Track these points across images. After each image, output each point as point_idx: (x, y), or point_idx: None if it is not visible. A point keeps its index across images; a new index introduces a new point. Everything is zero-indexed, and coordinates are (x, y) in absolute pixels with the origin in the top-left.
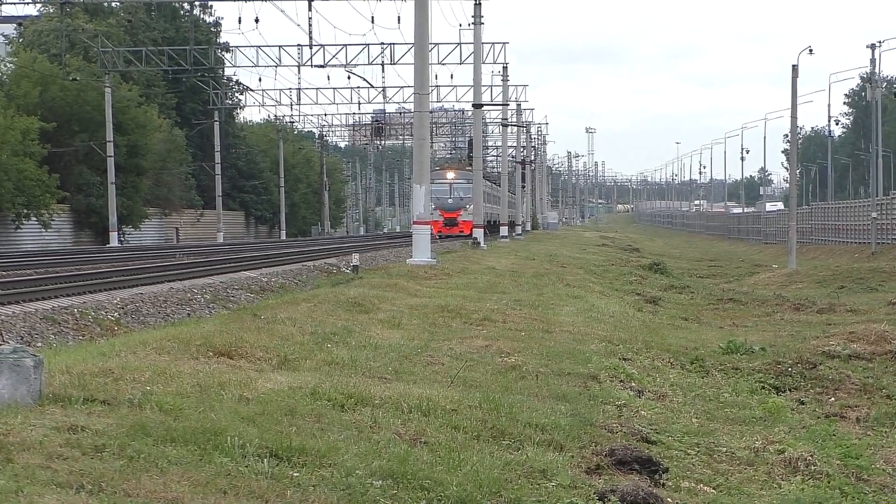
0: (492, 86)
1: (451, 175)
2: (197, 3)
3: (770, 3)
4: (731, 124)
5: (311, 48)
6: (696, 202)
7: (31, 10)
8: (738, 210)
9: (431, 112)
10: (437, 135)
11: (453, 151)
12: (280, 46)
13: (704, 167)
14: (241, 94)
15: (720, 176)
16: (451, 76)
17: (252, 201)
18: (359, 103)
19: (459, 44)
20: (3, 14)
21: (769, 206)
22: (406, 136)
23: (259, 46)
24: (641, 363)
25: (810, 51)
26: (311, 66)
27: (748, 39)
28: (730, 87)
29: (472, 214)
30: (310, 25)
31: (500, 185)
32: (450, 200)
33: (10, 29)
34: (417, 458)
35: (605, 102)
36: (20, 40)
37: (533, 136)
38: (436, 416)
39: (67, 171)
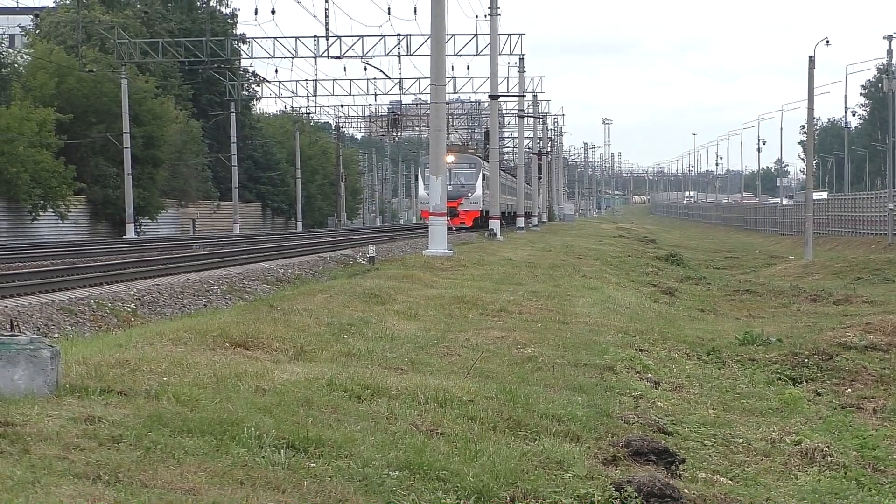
0: (508, 77)
1: (450, 159)
2: None
3: None
4: (746, 116)
5: (327, 39)
6: (689, 194)
7: (48, 2)
8: (775, 201)
9: (448, 103)
10: (453, 126)
11: (470, 143)
12: (297, 38)
13: (721, 158)
14: (258, 85)
15: (737, 167)
16: (468, 67)
17: (268, 193)
18: (375, 95)
19: (476, 35)
20: (20, 5)
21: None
22: (422, 128)
23: (275, 38)
24: (658, 354)
25: (827, 42)
26: (328, 57)
27: (760, 31)
28: (743, 79)
29: (474, 203)
30: (326, 16)
31: (516, 177)
32: (449, 187)
33: (26, 20)
34: (434, 449)
35: (619, 94)
36: (37, 32)
37: (549, 128)
38: (452, 407)
39: (84, 163)
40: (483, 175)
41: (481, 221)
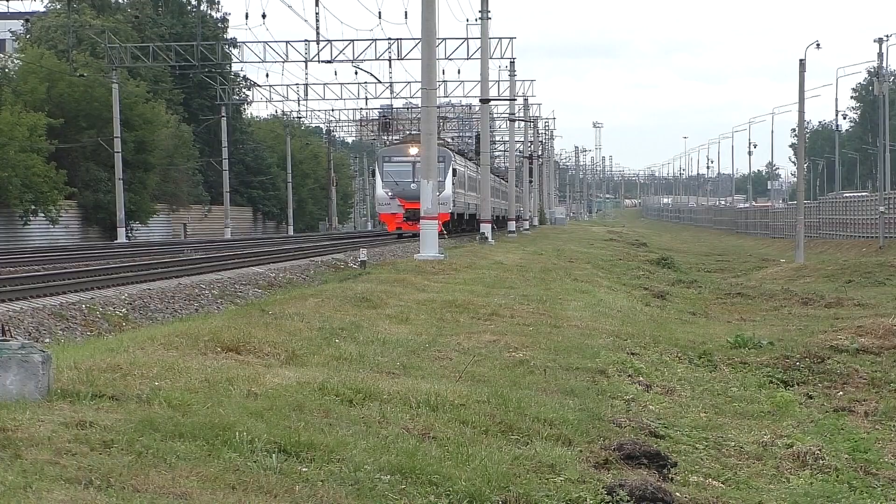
0: (499, 81)
1: (414, 150)
2: None
3: None
4: (737, 118)
5: (318, 43)
6: (665, 199)
7: (39, 6)
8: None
9: (439, 107)
10: (444, 130)
11: (461, 146)
12: (287, 42)
13: (712, 162)
14: (249, 89)
15: (728, 170)
16: (459, 71)
17: (259, 197)
18: (366, 99)
19: (466, 39)
20: (11, 10)
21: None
22: (413, 132)
23: (266, 42)
24: (649, 358)
25: (817, 45)
26: (319, 61)
27: (749, 33)
28: (733, 81)
29: (443, 204)
30: (317, 21)
31: (507, 180)
32: (413, 185)
33: (17, 25)
34: (426, 453)
35: (609, 97)
36: (27, 36)
37: (540, 131)
38: (444, 410)
39: (75, 167)
40: (454, 170)
41: (453, 225)
